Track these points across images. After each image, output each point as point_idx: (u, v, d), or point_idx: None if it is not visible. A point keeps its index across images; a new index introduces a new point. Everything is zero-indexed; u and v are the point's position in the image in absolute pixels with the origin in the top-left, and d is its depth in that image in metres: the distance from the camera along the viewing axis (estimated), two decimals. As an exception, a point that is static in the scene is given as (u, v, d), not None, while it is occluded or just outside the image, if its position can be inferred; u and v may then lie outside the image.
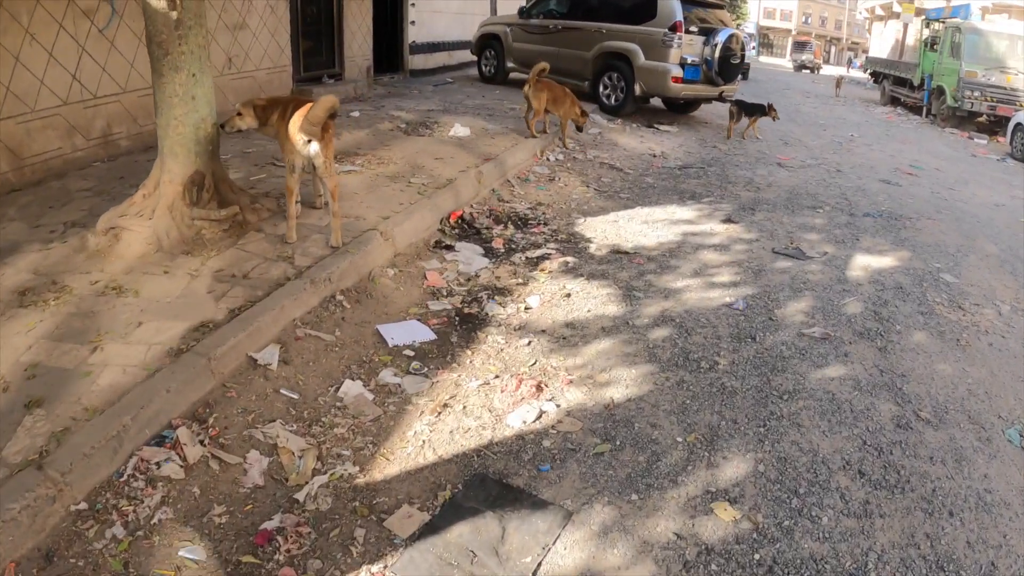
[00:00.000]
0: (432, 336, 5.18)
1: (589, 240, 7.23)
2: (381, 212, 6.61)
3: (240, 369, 4.35)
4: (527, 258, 6.62)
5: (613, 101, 13.78)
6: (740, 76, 27.44)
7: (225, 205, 5.74)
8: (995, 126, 20.81)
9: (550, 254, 6.75)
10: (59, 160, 7.23)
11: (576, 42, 14.44)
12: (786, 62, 65.80)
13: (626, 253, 6.92)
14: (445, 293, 5.86)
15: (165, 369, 4.02)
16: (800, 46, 61.32)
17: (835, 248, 7.70)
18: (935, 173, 13.24)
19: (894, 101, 26.66)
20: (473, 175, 8.06)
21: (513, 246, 6.91)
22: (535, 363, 4.88)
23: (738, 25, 47.65)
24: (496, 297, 5.84)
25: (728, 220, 8.21)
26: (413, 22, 16.18)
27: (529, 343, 5.14)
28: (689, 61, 13.22)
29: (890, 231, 8.58)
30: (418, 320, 5.38)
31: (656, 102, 14.94)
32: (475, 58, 17.03)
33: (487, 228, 7.25)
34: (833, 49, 72.19)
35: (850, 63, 49.04)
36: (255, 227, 5.88)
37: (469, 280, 6.11)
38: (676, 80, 13.17)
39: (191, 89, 5.49)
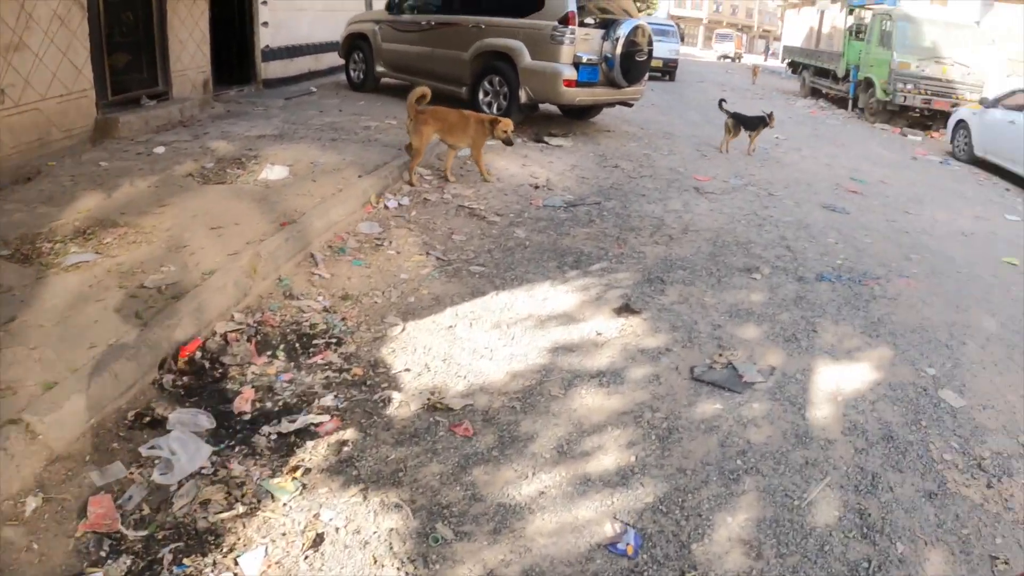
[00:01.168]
0: None
1: (397, 379, 4.35)
2: (53, 369, 3.66)
3: None
4: (279, 437, 3.72)
5: (495, 111, 10.93)
6: (666, 77, 25.25)
7: None
8: (928, 120, 18.68)
9: (321, 423, 3.84)
10: None
11: (451, 41, 11.61)
12: (698, 51, 64.07)
13: (448, 411, 4.05)
14: (106, 551, 2.92)
15: None
16: (722, 37, 59.87)
17: (784, 355, 5.00)
18: (882, 188, 10.79)
19: (815, 93, 24.32)
20: (247, 261, 5.12)
21: (267, 407, 3.98)
22: None
23: (649, 15, 45.27)
24: (187, 558, 2.93)
25: (625, 308, 5.43)
26: (266, 23, 13.05)
27: None
28: (585, 60, 10.46)
29: (857, 307, 5.95)
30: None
31: (552, 107, 12.07)
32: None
33: (239, 365, 4.30)
34: (745, 37, 70.43)
35: (770, 51, 46.95)
36: None
37: (159, 510, 3.18)
38: (569, 83, 10.40)
39: None
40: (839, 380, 4.75)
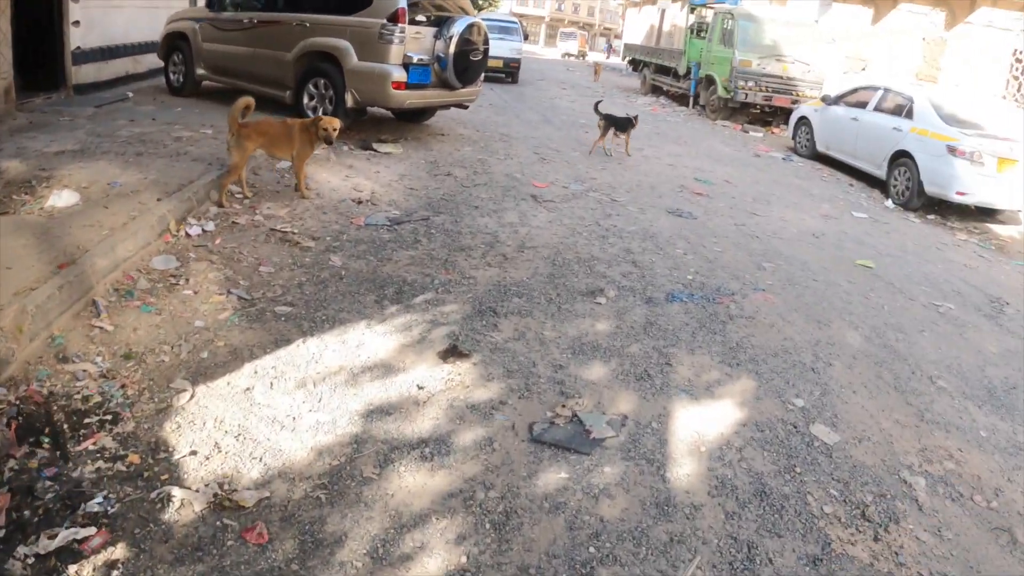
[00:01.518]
0: None
1: (180, 468, 3.37)
2: None
3: None
4: (37, 560, 2.75)
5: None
6: (508, 78, 23.23)
7: None
8: (768, 116, 18.81)
9: (86, 538, 2.83)
10: None
11: (274, 40, 10.46)
12: (540, 49, 64.23)
13: (240, 509, 3.11)
14: None
15: None
16: (566, 35, 59.79)
17: (637, 399, 4.29)
18: (727, 188, 10.42)
19: (656, 90, 24.25)
20: (10, 320, 3.99)
21: (26, 517, 2.96)
22: None
23: (492, 11, 44.73)
24: None
25: (452, 351, 4.58)
26: (77, 22, 11.44)
27: None
28: (416, 60, 9.58)
29: (713, 331, 5.34)
30: None
31: (383, 111, 11.11)
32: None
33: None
34: (587, 36, 71.19)
35: (611, 48, 47.20)
36: None
37: None
38: (398, 86, 9.49)
39: None
40: (701, 425, 4.08)
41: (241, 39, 10.89)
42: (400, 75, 9.45)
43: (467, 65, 10.12)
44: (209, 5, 11.47)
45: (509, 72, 23.10)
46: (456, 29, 9.78)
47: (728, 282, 6.33)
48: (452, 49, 9.78)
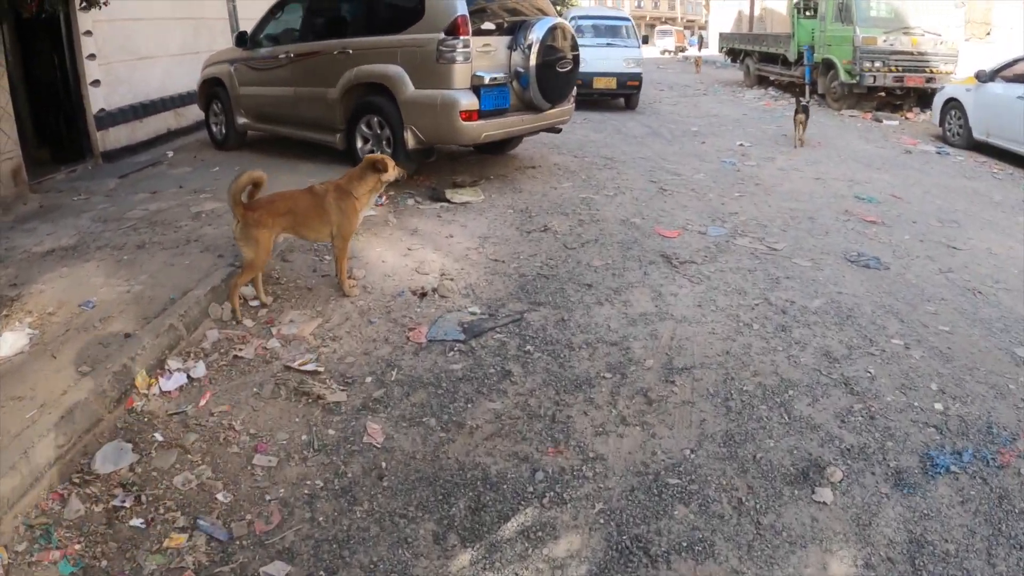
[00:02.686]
0: None
1: None
2: None
3: None
4: None
5: None
6: (624, 102, 15.75)
7: None
8: (897, 100, 15.92)
9: None
10: None
11: (316, 75, 8.36)
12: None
13: None
14: None
15: None
16: (663, 32, 56.52)
17: None
18: (900, 208, 7.97)
19: (763, 82, 21.30)
20: None
21: None
22: None
23: (570, 16, 41.47)
24: None
25: None
26: (97, 82, 9.65)
27: None
28: (488, 80, 7.32)
29: (1016, 540, 2.84)
30: None
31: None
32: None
33: None
34: (683, 31, 67.80)
35: (701, 41, 44.05)
36: None
37: None
38: (469, 116, 7.27)
39: None
40: None
41: (279, 78, 8.87)
42: (470, 102, 7.20)
43: (554, 79, 7.79)
44: (240, 42, 9.45)
45: (625, 93, 15.35)
46: (536, 35, 7.48)
47: (993, 407, 3.83)
48: (534, 61, 7.47)
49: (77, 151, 9.64)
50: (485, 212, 7.05)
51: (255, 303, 4.90)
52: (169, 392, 3.91)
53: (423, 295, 5.12)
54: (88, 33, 9.25)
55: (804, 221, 7.18)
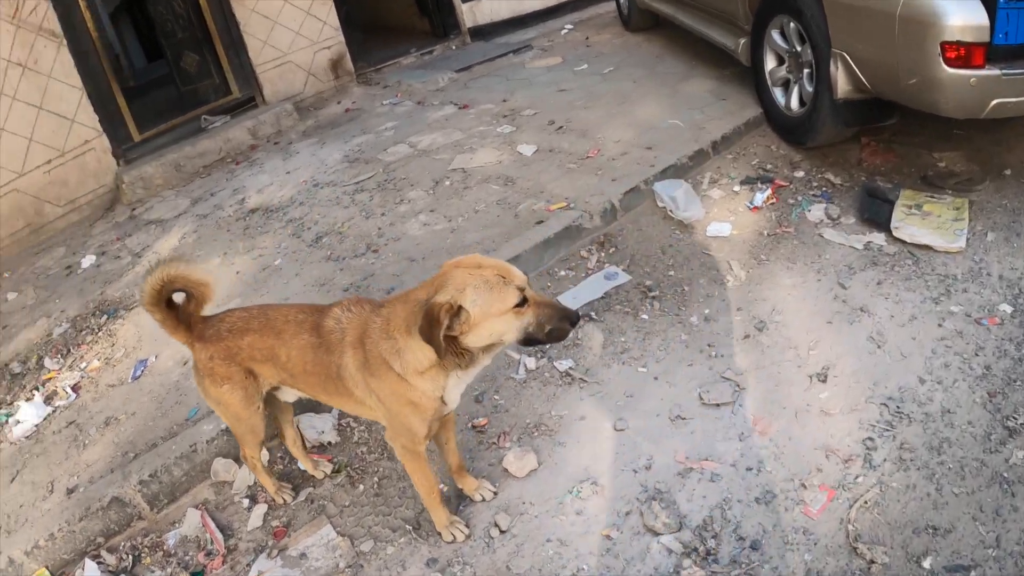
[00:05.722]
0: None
1: None
2: None
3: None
4: None
5: (797, 105, 4.14)
6: None
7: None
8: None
9: None
10: None
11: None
12: None
13: None
14: None
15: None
16: None
17: None
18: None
19: None
20: None
21: None
22: None
23: None
24: None
25: None
26: None
27: None
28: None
29: None
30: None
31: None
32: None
33: None
34: None
35: None
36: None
37: None
38: (962, 54, 3.00)
39: None
40: None
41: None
42: (967, 20, 3.02)
43: None
44: None
45: None
46: None
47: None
48: None
49: (440, 29, 7.56)
50: (956, 286, 3.06)
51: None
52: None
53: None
54: None
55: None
